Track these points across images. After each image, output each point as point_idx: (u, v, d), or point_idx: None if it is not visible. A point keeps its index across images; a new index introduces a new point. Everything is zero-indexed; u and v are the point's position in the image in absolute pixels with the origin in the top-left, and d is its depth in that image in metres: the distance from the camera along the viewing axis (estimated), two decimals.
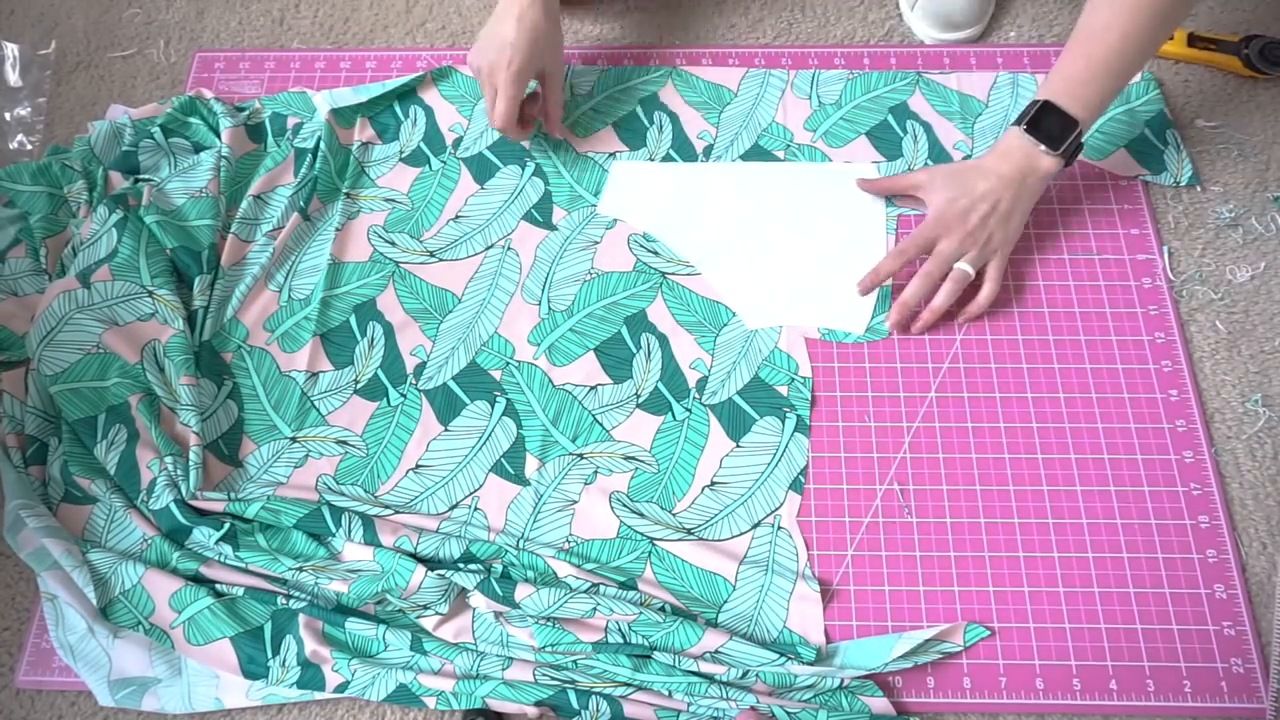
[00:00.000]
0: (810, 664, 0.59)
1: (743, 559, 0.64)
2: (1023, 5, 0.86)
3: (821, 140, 0.79)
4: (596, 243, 0.76)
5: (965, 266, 0.68)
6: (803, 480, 0.67)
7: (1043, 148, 0.67)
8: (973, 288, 0.70)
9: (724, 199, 0.77)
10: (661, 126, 0.81)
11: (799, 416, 0.68)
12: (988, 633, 0.61)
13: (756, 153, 0.79)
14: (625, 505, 0.66)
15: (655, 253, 0.75)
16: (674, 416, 0.69)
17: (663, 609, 0.61)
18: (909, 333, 0.70)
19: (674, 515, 0.66)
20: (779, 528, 0.65)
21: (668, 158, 0.79)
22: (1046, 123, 0.67)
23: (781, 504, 0.66)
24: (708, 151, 0.79)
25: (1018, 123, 0.68)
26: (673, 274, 0.74)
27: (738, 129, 0.80)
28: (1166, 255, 0.74)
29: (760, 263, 0.74)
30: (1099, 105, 0.67)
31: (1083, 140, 0.68)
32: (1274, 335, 0.71)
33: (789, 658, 0.59)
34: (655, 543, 0.65)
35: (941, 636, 0.61)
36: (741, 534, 0.65)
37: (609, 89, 0.82)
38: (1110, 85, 0.67)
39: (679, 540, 0.65)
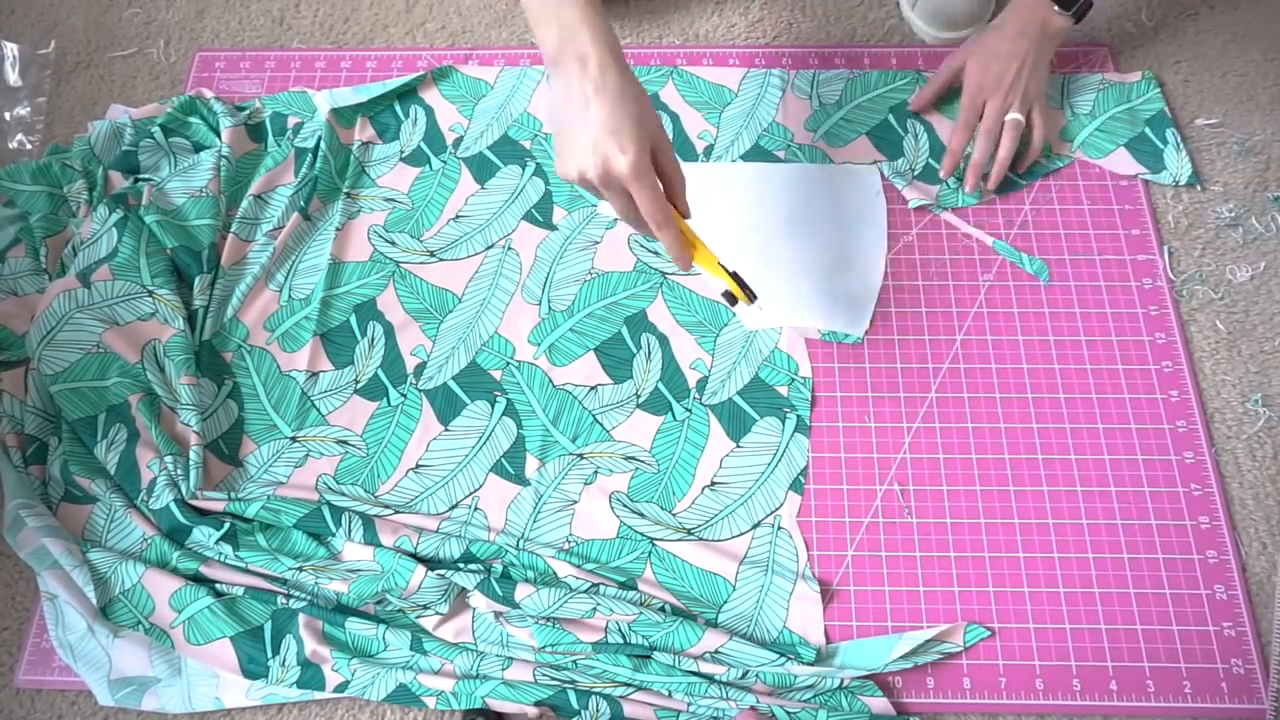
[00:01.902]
0: (810, 664, 0.59)
1: (743, 559, 0.64)
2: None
3: (822, 140, 0.79)
4: (597, 243, 0.76)
5: (1016, 115, 0.73)
6: (803, 480, 0.67)
7: (1056, 8, 0.72)
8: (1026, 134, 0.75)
9: (725, 200, 0.77)
10: (661, 126, 0.80)
11: (799, 417, 0.68)
12: (988, 633, 0.61)
13: (757, 153, 0.79)
14: (625, 505, 0.66)
15: (656, 253, 0.75)
16: (674, 417, 0.69)
17: (663, 609, 0.61)
18: (986, 192, 0.76)
19: (674, 515, 0.66)
20: (779, 528, 0.65)
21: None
22: None
23: (781, 504, 0.66)
24: (708, 151, 0.79)
25: None
26: (673, 274, 0.74)
27: (738, 129, 0.80)
28: (1166, 255, 0.74)
29: (761, 264, 0.74)
30: None
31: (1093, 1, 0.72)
32: (1274, 335, 0.71)
33: (789, 658, 0.59)
34: (655, 543, 0.65)
35: (941, 637, 0.61)
36: (741, 534, 0.65)
37: None
38: None
39: (679, 540, 0.65)
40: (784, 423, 0.68)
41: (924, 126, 0.79)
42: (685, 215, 0.59)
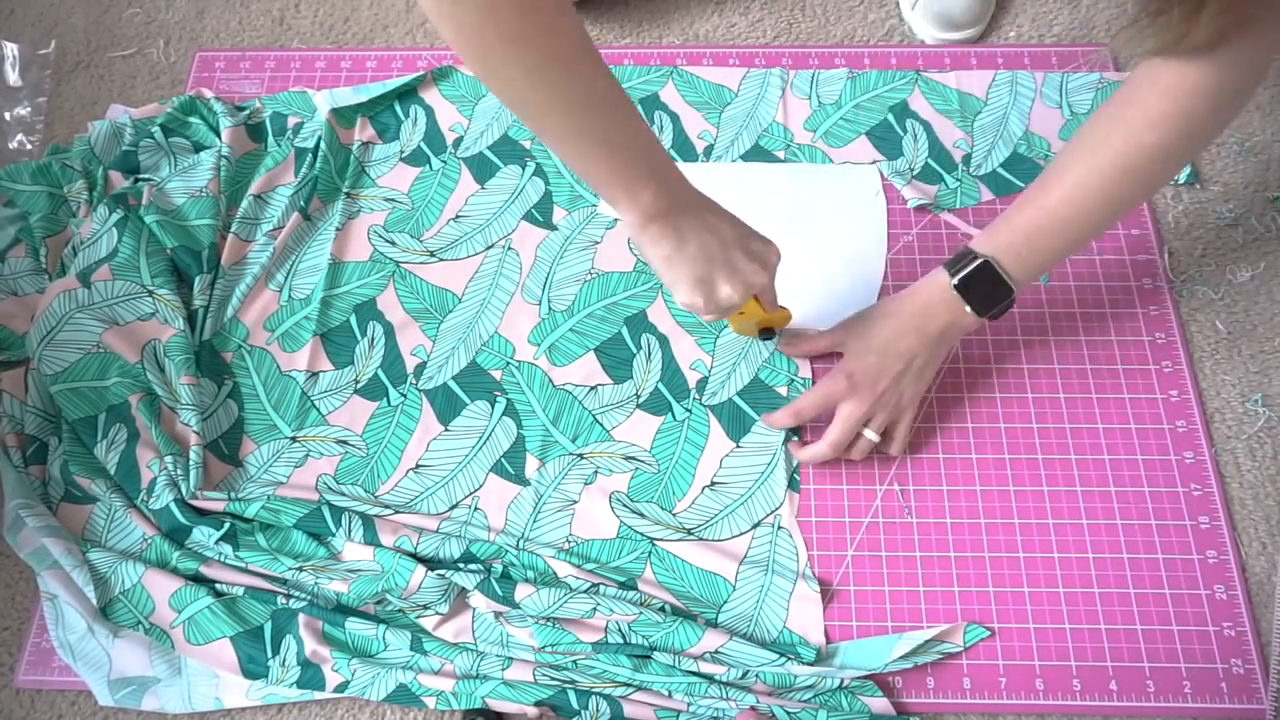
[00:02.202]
0: (810, 664, 0.59)
1: (743, 559, 0.64)
2: (1023, 5, 0.86)
3: (821, 140, 0.79)
4: (597, 243, 0.76)
5: (872, 435, 0.63)
6: (798, 479, 0.67)
7: (968, 309, 0.61)
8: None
9: (724, 199, 0.77)
10: (662, 126, 0.81)
11: None
12: (988, 633, 0.61)
13: (757, 153, 0.79)
14: (625, 505, 0.66)
15: None
16: (674, 417, 0.69)
17: (663, 609, 0.61)
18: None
19: (674, 515, 0.66)
20: (779, 528, 0.65)
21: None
22: (980, 284, 0.60)
23: (781, 504, 0.66)
24: (708, 151, 0.79)
25: (950, 272, 0.61)
26: None
27: (738, 129, 0.80)
28: (1166, 255, 0.74)
29: None
30: (1039, 269, 0.60)
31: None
32: (1274, 335, 0.71)
33: (789, 658, 0.59)
34: (655, 543, 0.65)
35: (941, 637, 0.61)
36: (741, 534, 0.65)
37: None
38: (1060, 248, 0.60)
39: (679, 540, 0.65)
40: None
41: (923, 126, 0.79)
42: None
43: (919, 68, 0.83)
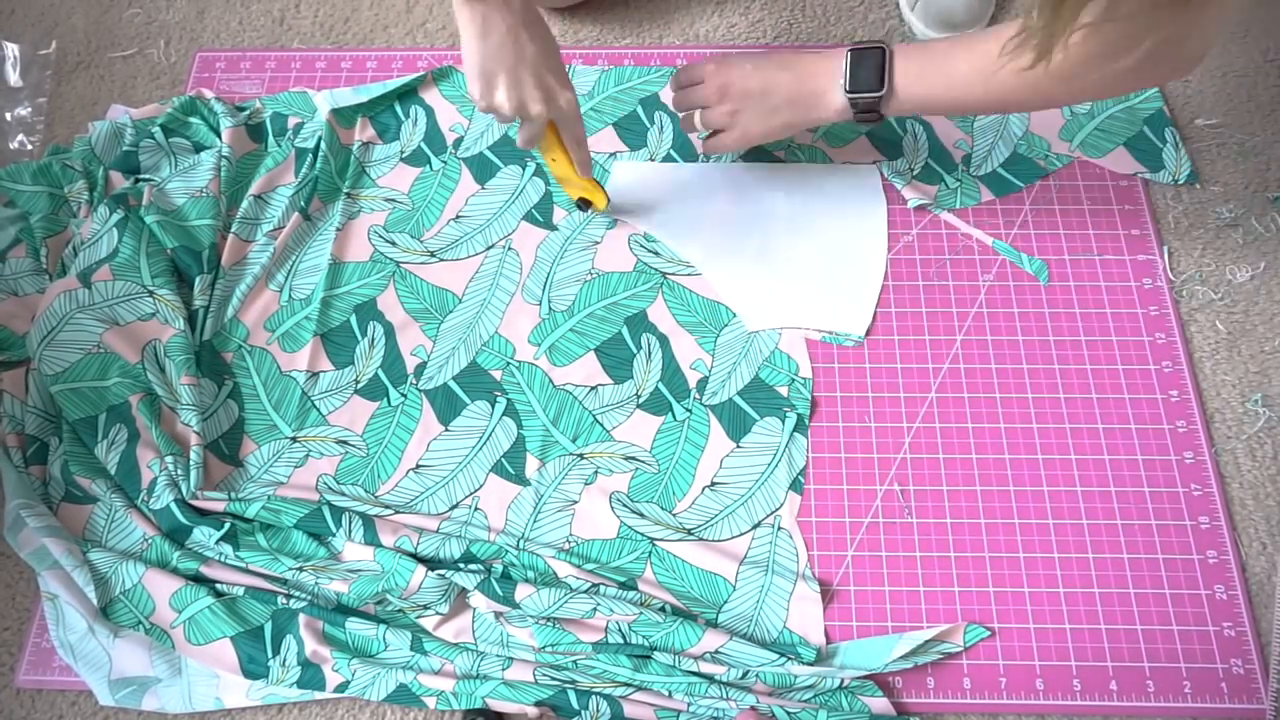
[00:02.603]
0: (810, 664, 0.59)
1: (743, 559, 0.64)
2: (1023, 5, 0.86)
3: (822, 140, 0.79)
4: (597, 243, 0.76)
5: (698, 122, 0.70)
6: (802, 481, 0.67)
7: (842, 80, 0.64)
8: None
9: (725, 199, 0.77)
10: (662, 126, 0.81)
11: (799, 417, 0.68)
12: (988, 633, 0.61)
13: (757, 153, 0.79)
14: (625, 505, 0.66)
15: (656, 253, 0.75)
16: (674, 417, 0.69)
17: (663, 609, 0.61)
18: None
19: (674, 515, 0.66)
20: (779, 528, 0.65)
21: (668, 158, 0.79)
22: (866, 66, 0.64)
23: (781, 504, 0.66)
24: None
25: (853, 47, 0.64)
26: (673, 274, 0.74)
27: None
28: (1166, 255, 0.74)
29: (760, 264, 0.74)
30: (917, 95, 0.64)
31: (882, 114, 0.65)
32: (1274, 335, 0.71)
33: (789, 658, 0.59)
34: (655, 543, 0.65)
35: (941, 637, 0.61)
36: (741, 534, 0.65)
37: (609, 89, 0.82)
38: (940, 95, 0.63)
39: (679, 540, 0.65)
40: (784, 423, 0.68)
41: (923, 126, 0.79)
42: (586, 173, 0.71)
43: None
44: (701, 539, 0.65)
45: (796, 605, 0.62)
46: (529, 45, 0.60)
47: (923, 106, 0.66)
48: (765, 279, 0.73)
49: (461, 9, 0.59)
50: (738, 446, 0.68)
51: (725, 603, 0.63)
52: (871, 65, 0.64)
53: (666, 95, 0.82)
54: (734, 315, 0.72)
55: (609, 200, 0.74)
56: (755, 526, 0.65)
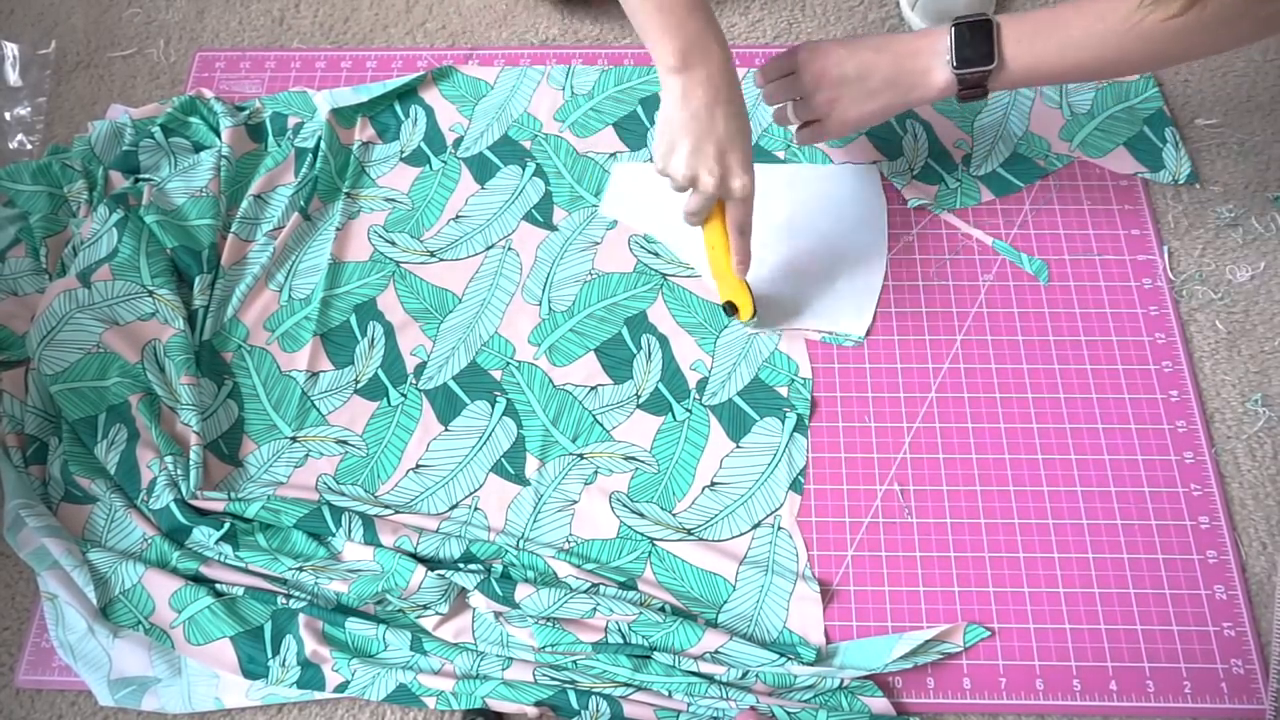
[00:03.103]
0: (810, 664, 0.59)
1: (743, 559, 0.64)
2: (1022, 5, 0.86)
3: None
4: (597, 243, 0.76)
5: (792, 115, 0.67)
6: (802, 481, 0.67)
7: (949, 58, 0.61)
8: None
9: None
10: None
11: (799, 417, 0.68)
12: (988, 633, 0.61)
13: (757, 153, 0.79)
14: (625, 505, 0.66)
15: (656, 254, 0.75)
16: (674, 417, 0.69)
17: (663, 609, 0.61)
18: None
19: (674, 515, 0.66)
20: (779, 528, 0.65)
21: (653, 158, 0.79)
22: (973, 41, 0.61)
23: (781, 504, 0.66)
24: None
25: (957, 21, 0.61)
26: (673, 275, 0.74)
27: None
28: (1166, 255, 0.74)
29: (760, 265, 0.74)
30: (1032, 63, 0.61)
31: (989, 89, 0.62)
32: (1274, 335, 0.71)
33: (789, 658, 0.59)
34: (655, 543, 0.65)
35: (941, 637, 0.61)
36: (741, 534, 0.65)
37: (609, 89, 0.82)
38: (1059, 58, 0.60)
39: (679, 540, 0.65)
40: (784, 423, 0.68)
41: (923, 126, 0.79)
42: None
43: None
44: (701, 539, 0.65)
45: (796, 605, 0.62)
46: (722, 121, 0.59)
47: (1034, 76, 0.62)
48: (764, 280, 0.73)
49: (666, 77, 0.58)
50: (737, 446, 0.68)
51: (725, 603, 0.63)
52: (981, 37, 0.61)
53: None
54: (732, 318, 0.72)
55: (755, 313, 0.68)
56: (755, 526, 0.65)
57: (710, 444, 0.68)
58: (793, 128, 0.72)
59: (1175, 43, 0.57)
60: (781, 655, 0.59)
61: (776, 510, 0.66)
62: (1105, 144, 0.77)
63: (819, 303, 0.72)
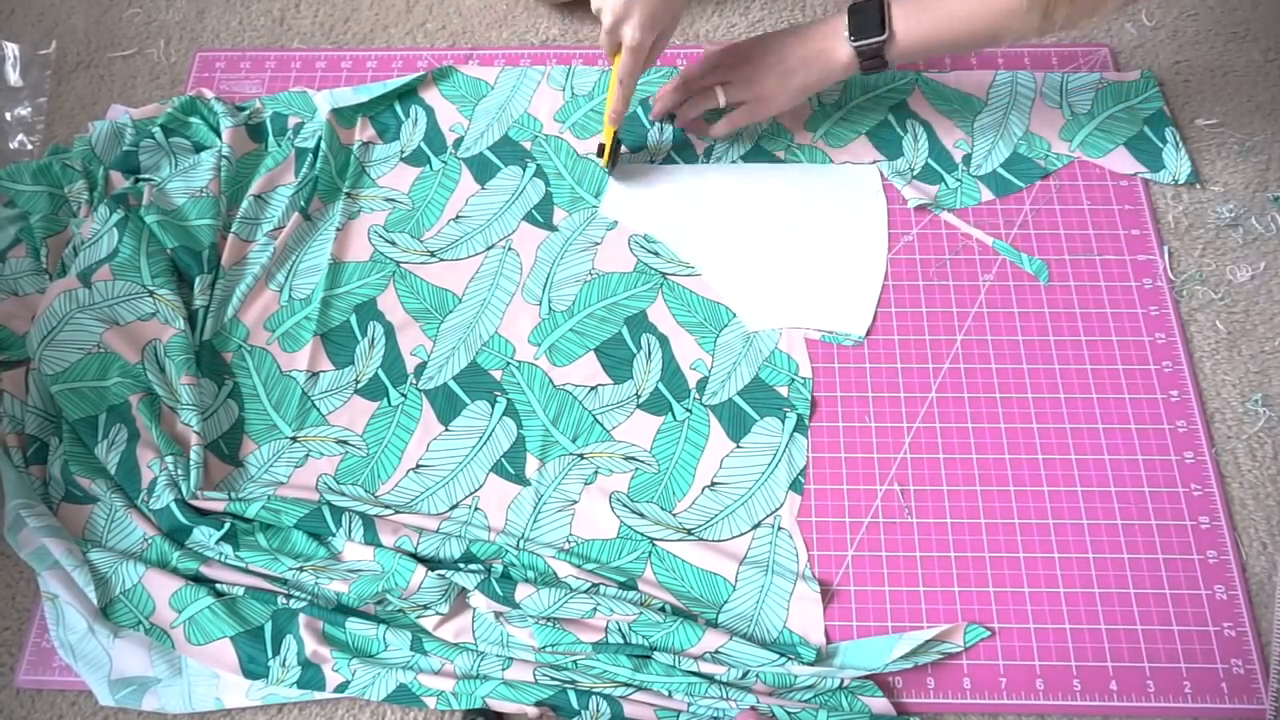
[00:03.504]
0: (810, 664, 0.59)
1: (743, 559, 0.64)
2: None
3: (822, 140, 0.79)
4: (597, 243, 0.76)
5: (720, 96, 0.74)
6: (803, 481, 0.67)
7: (845, 33, 0.69)
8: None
9: (725, 200, 0.77)
10: (662, 128, 0.81)
11: (799, 417, 0.68)
12: (988, 633, 0.61)
13: (758, 153, 0.79)
14: (625, 505, 0.66)
15: (656, 253, 0.75)
16: (674, 417, 0.69)
17: (663, 609, 0.61)
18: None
19: (674, 515, 0.66)
20: (779, 528, 0.65)
21: (669, 159, 0.79)
22: (867, 14, 0.68)
23: (781, 504, 0.66)
24: (708, 153, 0.79)
25: (851, 4, 0.69)
26: (673, 275, 0.74)
27: (738, 131, 0.80)
28: (1166, 255, 0.74)
29: (761, 265, 0.74)
30: (918, 39, 0.68)
31: (886, 59, 0.69)
32: (1274, 335, 0.71)
33: (789, 658, 0.59)
34: (655, 543, 0.65)
35: (941, 637, 0.61)
36: (742, 534, 0.65)
37: (608, 89, 0.82)
38: (937, 33, 0.68)
39: (679, 541, 0.65)
40: (784, 423, 0.68)
41: (923, 126, 0.79)
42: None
43: (920, 68, 0.83)
44: (701, 539, 0.65)
45: (796, 605, 0.62)
46: None
47: (924, 47, 0.69)
48: (765, 279, 0.73)
49: None
50: (738, 446, 0.68)
51: (725, 603, 0.63)
52: (870, 12, 0.68)
53: None
54: (734, 315, 0.72)
55: (611, 166, 0.76)
56: (755, 527, 0.65)
57: (710, 444, 0.68)
58: (700, 137, 0.79)
59: (1017, 19, 0.65)
60: (782, 655, 0.59)
61: (776, 510, 0.66)
62: (1105, 144, 0.78)
63: (819, 302, 0.72)
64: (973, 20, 0.67)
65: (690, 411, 0.69)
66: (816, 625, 0.62)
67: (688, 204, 0.77)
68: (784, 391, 0.69)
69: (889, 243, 0.75)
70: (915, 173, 0.77)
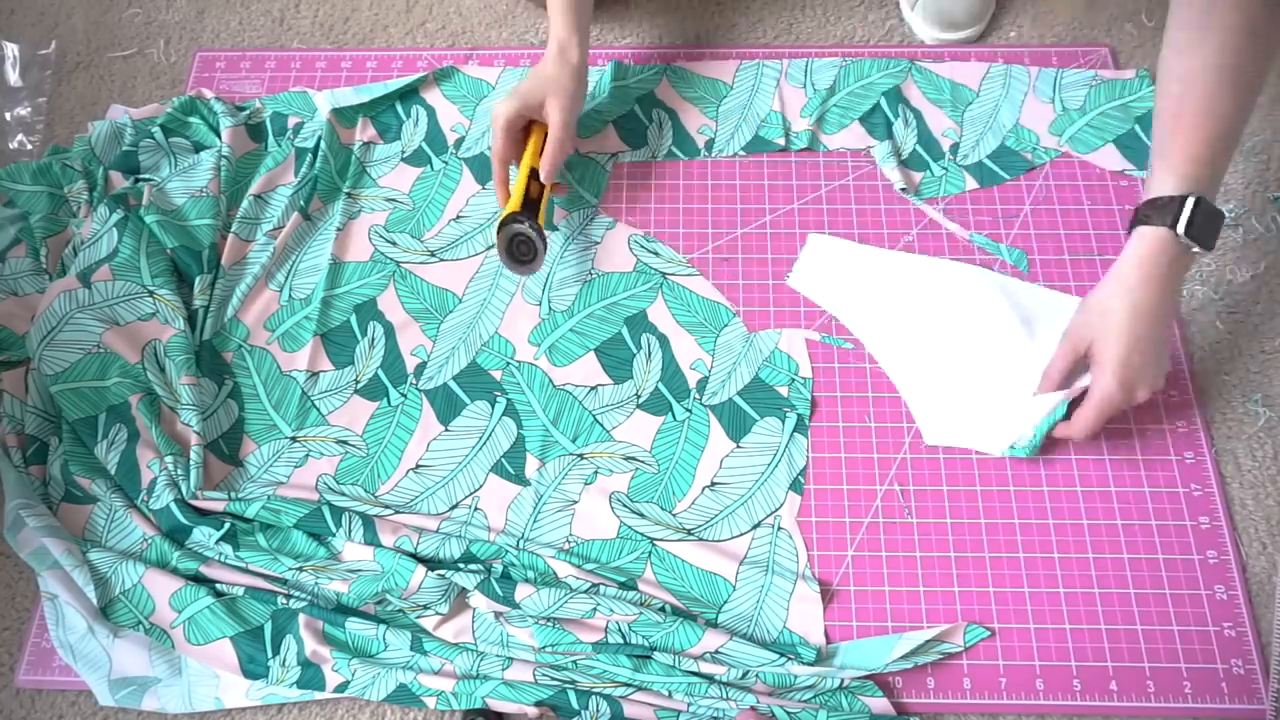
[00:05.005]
0: (810, 664, 0.59)
1: (743, 559, 0.64)
2: (1023, 5, 0.86)
3: (817, 125, 0.79)
4: (597, 244, 0.76)
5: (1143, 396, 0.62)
6: (802, 481, 0.67)
7: (1196, 249, 0.59)
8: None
9: (919, 293, 0.72)
10: (661, 124, 0.81)
11: (799, 417, 0.68)
12: (988, 633, 0.61)
13: (758, 143, 0.79)
14: (625, 505, 0.66)
15: (656, 253, 0.75)
16: (674, 417, 0.69)
17: (663, 609, 0.61)
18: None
19: (674, 515, 0.66)
20: (779, 528, 0.65)
21: (670, 155, 0.79)
22: (1200, 221, 0.58)
23: (781, 504, 0.66)
24: (709, 145, 0.79)
25: (1163, 224, 0.58)
26: (673, 274, 0.74)
27: (737, 121, 0.80)
28: None
29: (948, 374, 0.69)
30: (1220, 178, 0.61)
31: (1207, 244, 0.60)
32: (1274, 335, 0.71)
33: (789, 658, 0.59)
34: (655, 543, 0.65)
35: (942, 637, 0.61)
36: (741, 534, 0.65)
37: (607, 85, 0.82)
38: (1230, 156, 0.60)
39: (679, 540, 0.65)
40: (784, 423, 0.68)
41: (914, 114, 0.79)
42: (546, 180, 0.70)
43: (915, 56, 0.82)
44: (701, 539, 0.65)
45: (796, 605, 0.62)
46: (547, 68, 0.70)
47: (1225, 169, 0.61)
48: (952, 391, 0.68)
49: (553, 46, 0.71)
50: (737, 446, 0.68)
51: (725, 603, 0.63)
52: (1203, 214, 0.58)
53: (662, 91, 0.82)
54: (734, 315, 0.72)
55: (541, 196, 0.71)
56: (755, 527, 0.65)
57: (710, 444, 0.68)
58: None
59: None
60: (782, 655, 0.59)
61: (776, 510, 0.66)
62: (1094, 140, 0.77)
63: (1005, 427, 0.67)
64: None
65: (690, 411, 0.69)
66: (816, 625, 0.62)
67: (882, 288, 0.72)
68: (784, 392, 0.69)
69: (889, 243, 0.75)
70: (903, 158, 0.77)
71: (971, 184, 0.76)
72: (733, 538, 0.65)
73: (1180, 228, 0.58)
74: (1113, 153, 0.77)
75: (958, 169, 0.77)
